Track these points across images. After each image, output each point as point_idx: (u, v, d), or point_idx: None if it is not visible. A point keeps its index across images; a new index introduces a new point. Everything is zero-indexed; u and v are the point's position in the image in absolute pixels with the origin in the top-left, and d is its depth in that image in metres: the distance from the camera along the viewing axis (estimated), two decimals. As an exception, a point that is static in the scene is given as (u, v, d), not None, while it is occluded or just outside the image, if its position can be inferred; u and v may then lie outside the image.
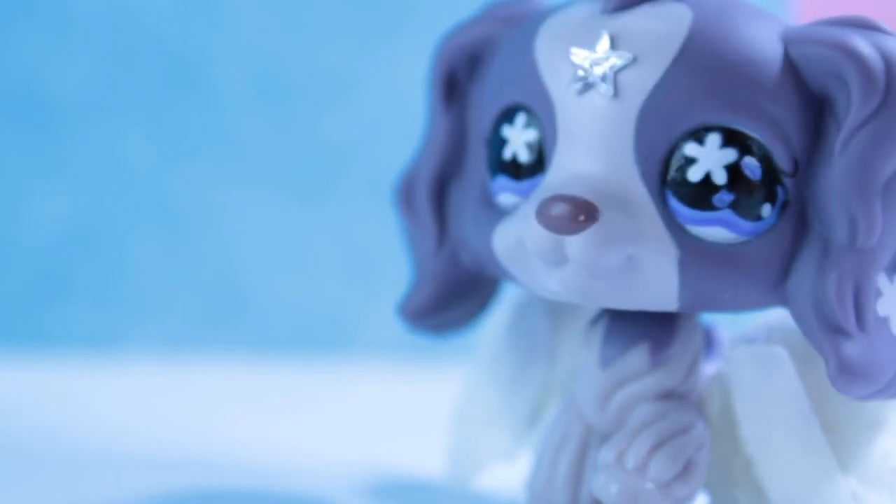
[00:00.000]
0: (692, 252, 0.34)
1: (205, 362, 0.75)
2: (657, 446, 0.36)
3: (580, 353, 0.39)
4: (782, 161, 0.34)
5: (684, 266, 0.34)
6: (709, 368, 0.39)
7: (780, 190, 0.34)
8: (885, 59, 0.33)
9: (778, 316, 0.37)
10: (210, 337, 0.78)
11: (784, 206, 0.34)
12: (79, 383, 0.70)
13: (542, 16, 0.37)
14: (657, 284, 0.34)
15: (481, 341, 0.43)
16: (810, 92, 0.34)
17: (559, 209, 0.34)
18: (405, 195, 0.41)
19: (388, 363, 0.76)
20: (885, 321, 0.34)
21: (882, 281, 0.34)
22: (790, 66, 0.34)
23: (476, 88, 0.40)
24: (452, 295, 0.40)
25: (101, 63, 0.77)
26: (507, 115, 0.37)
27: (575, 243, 0.34)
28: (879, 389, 0.34)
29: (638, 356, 0.37)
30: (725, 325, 0.41)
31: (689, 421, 0.36)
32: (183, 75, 0.77)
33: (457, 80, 0.40)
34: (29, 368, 0.72)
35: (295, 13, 0.78)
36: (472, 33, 0.40)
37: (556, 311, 0.42)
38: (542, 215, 0.34)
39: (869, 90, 0.33)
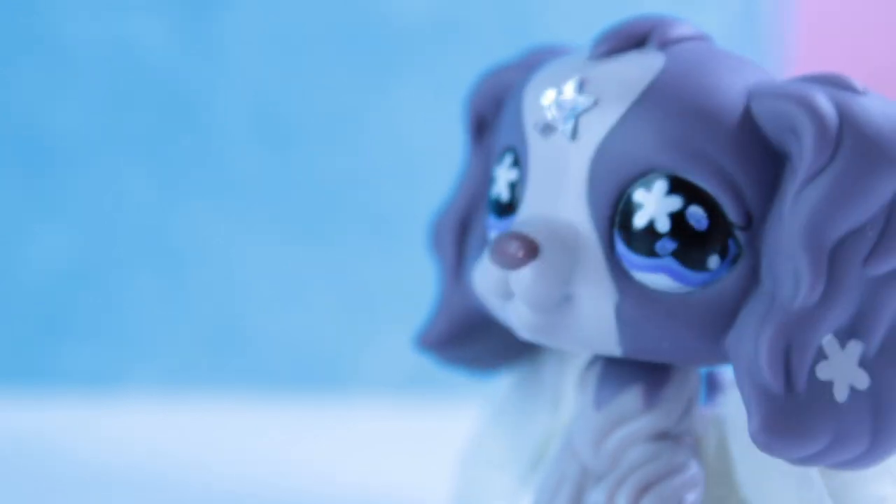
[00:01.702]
0: (631, 297, 0.34)
1: (205, 400, 0.75)
2: (647, 488, 0.36)
3: (576, 395, 0.39)
4: (733, 214, 0.34)
5: (621, 310, 0.34)
6: (708, 411, 0.39)
7: (731, 243, 0.34)
8: (841, 114, 0.33)
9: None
10: (210, 375, 0.78)
11: (735, 259, 0.34)
12: (79, 421, 0.70)
13: (544, 62, 0.38)
14: (596, 326, 0.35)
15: (492, 384, 0.44)
16: (769, 146, 0.34)
17: (504, 246, 0.35)
18: (436, 231, 0.42)
19: (387, 401, 0.76)
20: (826, 385, 0.33)
21: (830, 344, 0.33)
22: (749, 119, 0.34)
23: (496, 131, 0.40)
24: (467, 331, 0.41)
25: (102, 102, 0.78)
26: (500, 156, 0.38)
27: (515, 278, 0.35)
28: (814, 454, 0.33)
29: (632, 398, 0.37)
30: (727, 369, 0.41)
31: (682, 462, 0.36)
32: (183, 115, 0.78)
33: (485, 122, 0.41)
34: (29, 407, 0.72)
35: (296, 53, 0.78)
36: (501, 77, 0.40)
37: (563, 357, 0.42)
38: (491, 251, 0.35)
39: (820, 144, 0.33)
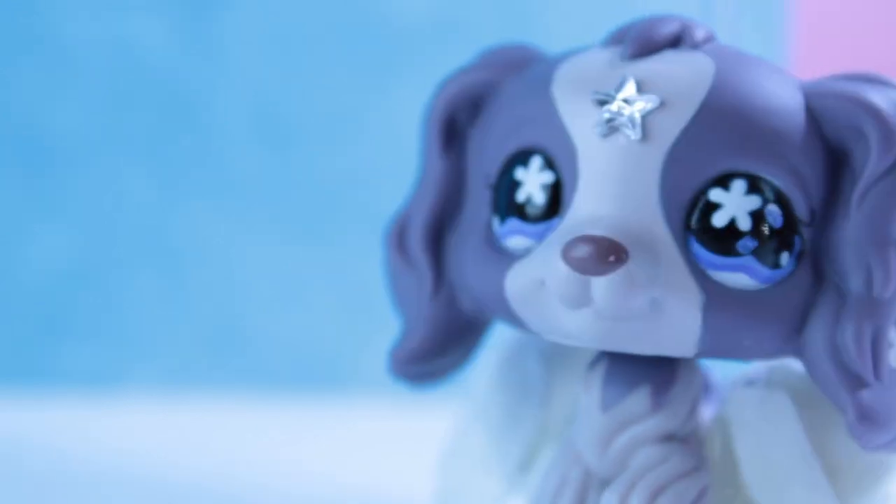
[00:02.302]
0: (715, 297, 0.34)
1: (204, 400, 0.75)
2: (660, 491, 0.36)
3: (578, 397, 0.39)
4: (801, 210, 0.35)
5: (708, 311, 0.34)
6: (707, 412, 0.39)
7: (797, 239, 0.35)
8: None
9: (778, 359, 0.37)
10: (210, 375, 0.78)
11: (800, 255, 0.35)
12: (79, 422, 0.70)
13: (554, 61, 0.38)
14: (679, 329, 0.35)
15: (472, 383, 0.43)
16: (828, 144, 0.35)
17: (587, 249, 0.34)
18: (397, 239, 0.41)
19: (387, 401, 0.76)
20: (894, 371, 0.34)
21: (892, 332, 0.35)
22: (811, 117, 0.35)
23: (476, 133, 0.40)
24: (445, 340, 0.40)
25: (102, 102, 0.78)
26: (521, 158, 0.37)
27: (601, 285, 0.34)
28: (891, 440, 0.35)
29: (639, 399, 0.37)
30: (722, 368, 0.41)
31: (692, 464, 0.36)
32: (183, 115, 0.78)
33: (457, 124, 0.40)
34: (29, 407, 0.72)
35: (296, 53, 0.78)
36: (472, 78, 0.39)
37: (549, 355, 0.42)
38: (569, 255, 0.34)
39: (888, 145, 0.34)
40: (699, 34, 0.36)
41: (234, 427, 0.69)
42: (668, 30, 0.36)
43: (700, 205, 0.34)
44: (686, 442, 0.37)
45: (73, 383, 0.76)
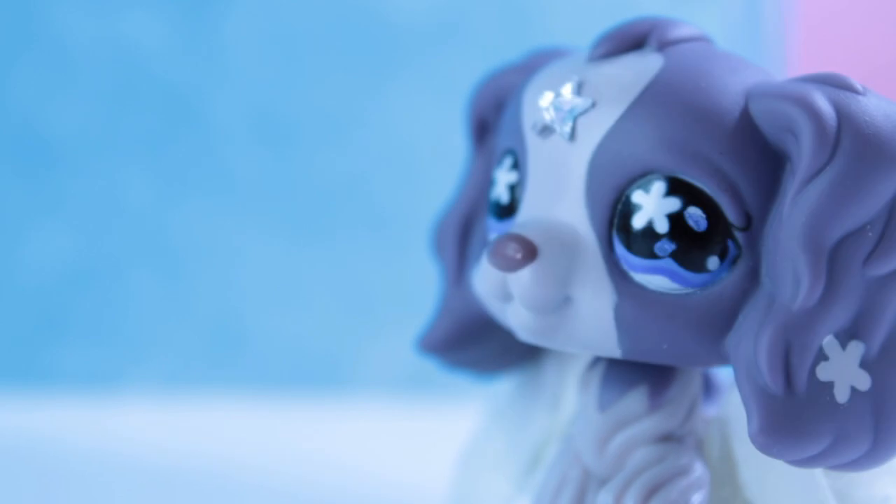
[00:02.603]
0: (630, 298, 0.34)
1: (204, 400, 0.75)
2: (655, 490, 0.36)
3: (578, 397, 0.39)
4: (732, 215, 0.34)
5: (620, 311, 0.34)
6: (708, 412, 0.39)
7: (730, 244, 0.34)
8: (840, 114, 0.33)
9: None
10: (209, 375, 0.78)
11: (735, 260, 0.34)
12: (78, 422, 0.70)
13: (544, 64, 0.38)
14: (595, 328, 0.35)
15: (495, 386, 0.44)
16: (769, 147, 0.34)
17: (502, 248, 0.35)
18: (438, 234, 0.42)
19: (387, 401, 0.76)
20: (826, 386, 0.33)
21: (831, 345, 0.33)
22: (748, 120, 0.34)
23: (496, 134, 0.40)
24: (467, 334, 0.41)
25: (101, 103, 0.78)
26: (500, 159, 0.38)
27: (514, 280, 0.35)
28: (815, 456, 0.33)
29: (636, 399, 0.37)
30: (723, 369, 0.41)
31: (688, 464, 0.36)
32: (182, 115, 0.78)
33: (487, 125, 0.41)
34: (28, 407, 0.72)
35: (295, 54, 0.78)
36: (501, 80, 0.40)
37: (563, 359, 0.42)
38: (490, 253, 0.35)
39: (818, 144, 0.33)
40: (674, 34, 0.36)
41: (234, 427, 0.69)
42: (634, 32, 0.36)
43: (621, 205, 0.34)
44: (683, 442, 0.37)
45: (72, 383, 0.76)
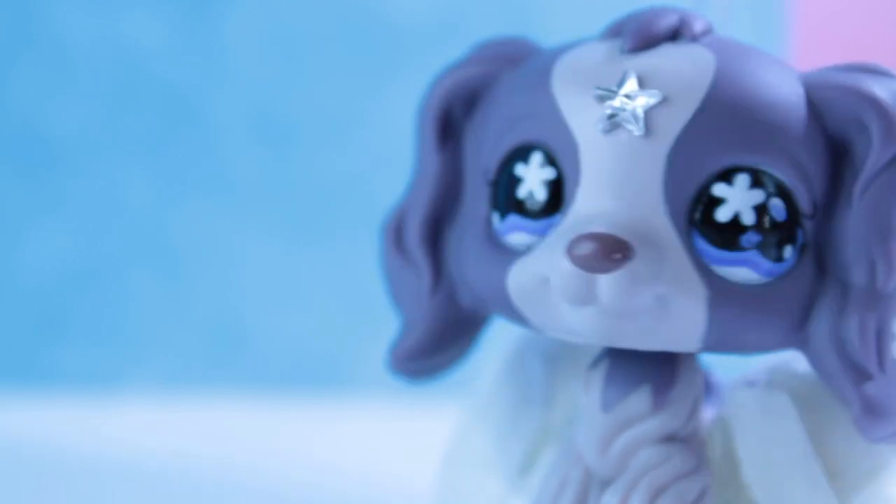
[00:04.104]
0: (720, 292, 0.34)
1: (204, 401, 0.75)
2: (660, 491, 0.36)
3: (579, 397, 0.39)
4: (804, 203, 0.34)
5: (713, 306, 0.34)
6: (707, 412, 0.39)
7: (799, 232, 0.35)
8: None
9: (779, 359, 0.37)
10: (209, 375, 0.78)
11: (803, 248, 0.35)
12: (78, 422, 0.70)
13: (552, 55, 0.37)
14: (685, 325, 0.34)
15: (476, 384, 0.43)
16: (829, 136, 0.35)
17: (591, 247, 0.34)
18: (394, 235, 0.40)
19: (387, 401, 0.76)
20: None
21: (895, 324, 0.35)
22: (812, 110, 0.35)
23: (473, 128, 0.39)
24: (445, 336, 0.40)
25: (101, 103, 0.78)
26: (521, 154, 0.37)
27: (606, 282, 0.34)
28: (894, 431, 0.35)
29: (640, 399, 0.37)
30: (723, 368, 0.41)
31: (693, 465, 0.36)
32: (182, 115, 0.78)
33: (452, 119, 0.40)
34: (29, 407, 0.72)
35: (295, 54, 0.78)
36: (468, 72, 0.39)
37: (553, 356, 0.41)
38: (573, 253, 0.34)
39: (889, 136, 0.34)
40: (697, 26, 0.36)
41: (234, 427, 0.69)
42: (667, 23, 0.36)
43: (703, 200, 0.34)
44: (687, 442, 0.37)
45: (72, 383, 0.76)
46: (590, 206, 0.35)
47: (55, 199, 0.78)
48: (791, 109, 0.35)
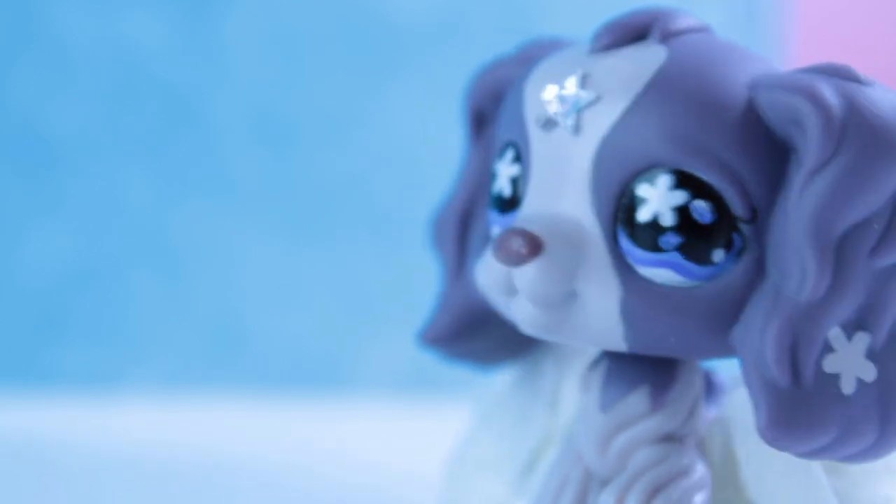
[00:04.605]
0: (636, 293, 0.34)
1: (204, 401, 0.75)
2: (657, 490, 0.36)
3: (579, 397, 0.39)
4: (738, 207, 0.34)
5: (626, 306, 0.34)
6: (709, 412, 0.39)
7: (735, 237, 0.34)
8: (847, 105, 0.33)
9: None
10: (209, 375, 0.78)
11: (740, 252, 0.34)
12: (78, 422, 0.70)
13: (545, 56, 0.38)
14: (601, 322, 0.35)
15: (487, 384, 0.43)
16: (774, 139, 0.34)
17: (508, 242, 0.35)
18: (437, 227, 0.42)
19: (387, 401, 0.76)
20: (833, 378, 0.33)
21: (837, 337, 0.33)
22: (753, 112, 0.34)
23: (496, 126, 0.40)
24: (468, 326, 0.41)
25: (101, 103, 0.78)
26: (501, 152, 0.38)
27: (519, 274, 0.35)
28: (822, 448, 0.33)
29: (638, 399, 0.37)
30: (724, 368, 0.41)
31: (690, 464, 0.36)
32: (182, 115, 0.78)
33: (484, 117, 0.40)
34: (28, 407, 0.72)
35: (295, 54, 0.78)
36: (499, 71, 0.40)
37: (562, 358, 0.42)
38: (494, 248, 0.35)
39: (827, 134, 0.33)
40: (676, 25, 0.36)
41: (234, 427, 0.69)
42: (636, 23, 0.36)
43: (626, 199, 0.34)
44: (686, 442, 0.37)
45: (72, 383, 0.76)
46: (532, 202, 0.36)
47: (55, 199, 0.78)
48: (726, 111, 0.34)
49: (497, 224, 0.38)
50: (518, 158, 0.37)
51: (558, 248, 0.34)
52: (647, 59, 0.35)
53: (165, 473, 0.60)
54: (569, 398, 0.42)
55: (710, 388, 0.40)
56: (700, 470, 0.36)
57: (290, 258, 0.78)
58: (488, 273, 0.36)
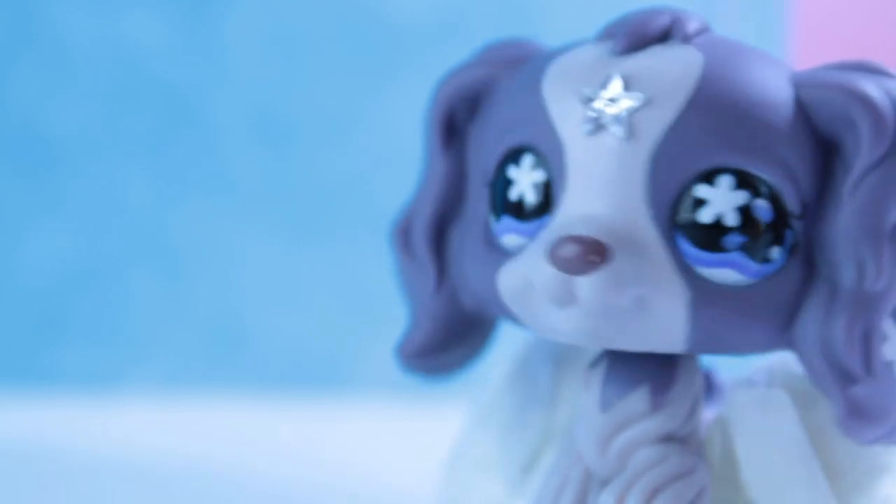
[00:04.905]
0: (702, 293, 0.34)
1: (204, 400, 0.75)
2: (657, 491, 0.36)
3: (579, 397, 0.39)
4: (792, 203, 0.34)
5: (694, 307, 0.34)
6: (709, 412, 0.39)
7: (788, 233, 0.34)
8: (894, 103, 0.34)
9: (778, 359, 0.37)
10: (209, 375, 0.78)
11: (792, 248, 0.35)
12: (78, 422, 0.70)
13: (547, 57, 0.37)
14: (666, 326, 0.34)
15: (482, 384, 0.43)
16: (819, 135, 0.35)
17: (570, 249, 0.34)
18: (402, 236, 0.41)
19: (387, 401, 0.76)
20: (890, 365, 0.34)
21: (888, 325, 0.34)
22: (800, 109, 0.35)
23: (475, 130, 0.40)
24: (450, 336, 0.40)
25: (101, 103, 0.78)
26: (513, 157, 0.37)
27: (585, 284, 0.34)
28: (886, 433, 0.34)
29: (639, 399, 0.37)
30: (724, 368, 0.41)
31: (690, 464, 0.36)
32: (182, 115, 0.78)
33: (456, 121, 0.40)
34: (28, 407, 0.72)
35: (295, 54, 0.78)
36: (471, 75, 0.39)
37: (558, 357, 0.42)
38: (553, 255, 0.34)
39: (879, 134, 0.34)
40: (691, 26, 0.36)
41: (234, 427, 0.69)
42: (658, 24, 0.36)
43: (686, 201, 0.34)
44: (685, 442, 0.37)
45: (72, 383, 0.76)
46: (575, 208, 0.35)
47: (55, 199, 0.78)
48: (778, 109, 0.34)
49: (515, 232, 0.37)
50: (540, 164, 0.36)
51: (626, 254, 0.34)
52: (687, 60, 0.35)
53: (165, 473, 0.60)
54: (567, 396, 0.42)
55: (710, 388, 0.40)
56: (700, 470, 0.36)
57: (290, 258, 0.78)
58: (542, 282, 0.35)
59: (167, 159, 0.78)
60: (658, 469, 0.36)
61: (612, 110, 0.35)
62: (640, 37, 0.36)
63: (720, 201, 0.34)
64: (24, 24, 0.77)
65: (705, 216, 0.34)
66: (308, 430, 0.69)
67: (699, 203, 0.34)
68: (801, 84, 0.35)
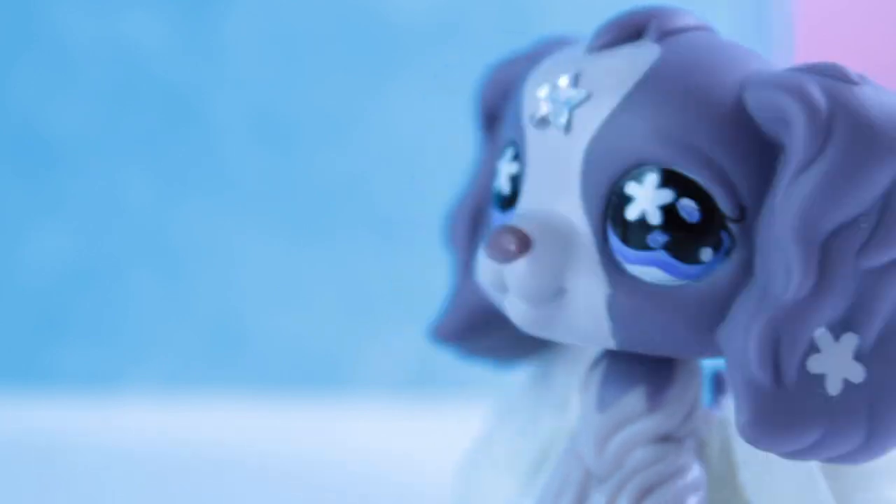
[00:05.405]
0: (624, 290, 0.34)
1: (204, 401, 0.75)
2: (649, 490, 0.36)
3: (580, 397, 0.39)
4: (726, 206, 0.33)
5: (613, 303, 0.34)
6: (716, 413, 0.39)
7: (724, 235, 0.34)
8: (833, 104, 0.33)
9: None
10: (209, 375, 0.78)
11: (728, 252, 0.34)
12: (78, 422, 0.70)
13: (549, 53, 0.38)
14: (589, 319, 0.35)
15: (505, 384, 0.44)
16: (763, 138, 0.34)
17: (498, 239, 0.35)
18: (450, 225, 0.42)
19: (387, 401, 0.76)
20: (817, 378, 0.33)
21: (823, 337, 0.33)
22: (742, 111, 0.34)
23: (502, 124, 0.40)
24: (478, 323, 0.41)
25: (101, 103, 0.78)
26: (503, 150, 0.38)
27: (509, 271, 0.35)
28: (806, 448, 0.33)
29: (635, 399, 0.37)
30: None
31: (685, 465, 0.36)
32: (182, 115, 0.78)
33: (494, 115, 0.41)
34: (28, 407, 0.72)
35: (296, 54, 0.78)
36: (508, 70, 0.40)
37: (572, 359, 0.42)
38: (486, 245, 0.36)
39: (810, 133, 0.32)
40: (674, 24, 0.36)
41: (234, 427, 0.69)
42: (632, 22, 0.36)
43: (616, 197, 0.34)
44: (682, 443, 0.37)
45: (72, 383, 0.76)
46: (527, 200, 0.36)
47: (55, 199, 0.78)
48: (714, 109, 0.34)
49: (497, 221, 0.38)
50: (517, 157, 0.37)
51: (546, 245, 0.35)
52: (640, 57, 0.35)
53: (165, 473, 0.60)
54: (577, 399, 0.42)
55: (720, 389, 0.40)
56: (695, 471, 0.36)
57: (290, 258, 0.78)
58: (483, 270, 0.36)
59: (167, 159, 0.78)
60: (650, 469, 0.36)
61: (556, 105, 0.35)
62: (612, 35, 0.36)
63: (644, 198, 0.34)
64: (24, 24, 0.77)
65: (631, 213, 0.34)
66: (308, 429, 0.69)
67: (626, 199, 0.34)
68: (747, 85, 0.34)
